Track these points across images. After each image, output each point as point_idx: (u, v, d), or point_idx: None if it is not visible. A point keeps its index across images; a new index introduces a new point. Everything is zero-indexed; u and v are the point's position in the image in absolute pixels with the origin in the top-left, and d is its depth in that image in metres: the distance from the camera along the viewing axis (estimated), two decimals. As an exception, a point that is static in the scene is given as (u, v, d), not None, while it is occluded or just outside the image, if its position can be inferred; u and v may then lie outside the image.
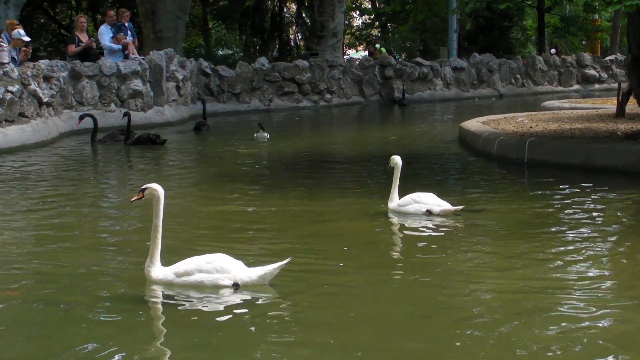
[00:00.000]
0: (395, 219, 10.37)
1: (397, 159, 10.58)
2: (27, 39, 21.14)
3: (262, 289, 7.22)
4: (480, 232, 9.66)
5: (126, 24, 25.16)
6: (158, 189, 7.40)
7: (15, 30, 20.83)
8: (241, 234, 9.69)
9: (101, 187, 13.93)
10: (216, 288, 7.14)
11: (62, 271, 7.98)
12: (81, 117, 20.39)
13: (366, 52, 47.41)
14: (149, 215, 7.47)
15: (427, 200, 10.44)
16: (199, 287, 7.15)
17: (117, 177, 15.51)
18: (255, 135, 20.29)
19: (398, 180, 10.57)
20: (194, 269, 7.20)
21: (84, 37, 24.19)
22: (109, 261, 8.38)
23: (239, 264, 7.28)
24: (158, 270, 7.33)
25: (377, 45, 41.21)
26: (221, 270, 7.15)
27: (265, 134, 20.22)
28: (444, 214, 10.33)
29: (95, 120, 20.12)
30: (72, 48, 24.02)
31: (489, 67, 38.73)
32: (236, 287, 7.13)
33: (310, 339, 6.19)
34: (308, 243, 9.27)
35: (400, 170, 10.56)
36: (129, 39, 24.88)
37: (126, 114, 20.19)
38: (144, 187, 7.48)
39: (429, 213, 10.33)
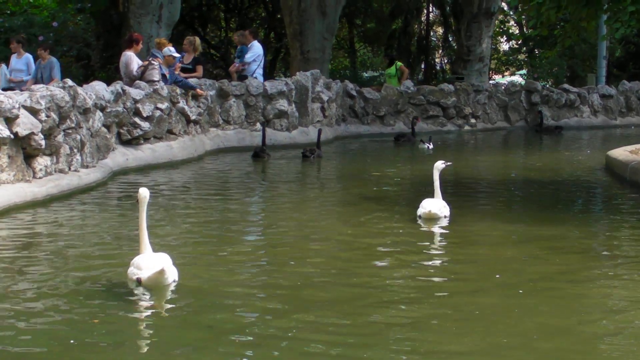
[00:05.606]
0: (535, 244, 10.26)
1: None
2: (177, 55, 21.60)
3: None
4: (623, 262, 9.48)
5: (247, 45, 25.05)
6: (142, 191, 8.42)
7: (166, 48, 21.26)
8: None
9: (247, 204, 14.08)
10: (130, 281, 8.09)
11: (206, 288, 8.16)
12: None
13: (512, 77, 46.79)
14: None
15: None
16: (127, 278, 8.17)
17: (270, 193, 15.57)
18: (419, 146, 23.88)
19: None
20: (132, 262, 8.18)
21: None
22: (252, 277, 8.52)
23: (156, 264, 7.89)
24: None
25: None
26: (136, 267, 8.06)
27: (427, 145, 23.51)
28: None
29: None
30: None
31: (638, 95, 37.85)
32: (139, 282, 7.94)
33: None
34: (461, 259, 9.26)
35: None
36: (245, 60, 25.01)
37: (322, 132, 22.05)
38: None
39: None
